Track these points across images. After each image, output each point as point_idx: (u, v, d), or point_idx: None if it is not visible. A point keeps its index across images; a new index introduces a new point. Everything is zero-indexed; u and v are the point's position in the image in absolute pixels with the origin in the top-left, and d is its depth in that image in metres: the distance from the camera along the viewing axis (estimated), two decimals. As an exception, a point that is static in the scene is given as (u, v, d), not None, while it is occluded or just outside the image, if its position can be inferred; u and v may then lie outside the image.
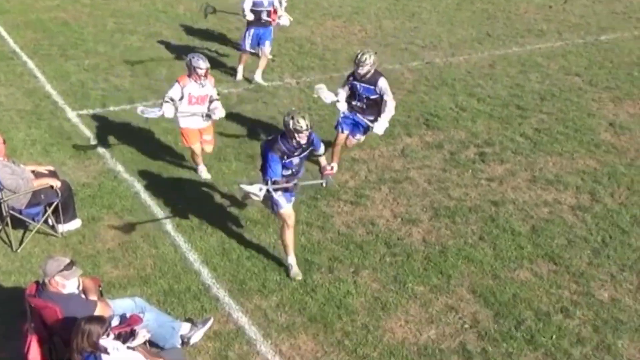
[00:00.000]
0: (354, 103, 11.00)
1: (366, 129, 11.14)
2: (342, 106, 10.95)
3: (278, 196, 8.64)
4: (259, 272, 8.98)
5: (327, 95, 10.94)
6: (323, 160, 9.20)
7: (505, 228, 10.12)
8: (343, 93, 10.98)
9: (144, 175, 11.12)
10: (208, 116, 10.79)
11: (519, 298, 8.71)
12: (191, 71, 10.53)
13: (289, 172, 8.74)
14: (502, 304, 8.61)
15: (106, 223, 9.91)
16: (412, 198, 10.80)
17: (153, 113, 10.63)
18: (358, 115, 11.03)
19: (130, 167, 11.30)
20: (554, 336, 8.10)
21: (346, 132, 11.20)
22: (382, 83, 10.76)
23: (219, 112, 10.80)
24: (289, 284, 8.79)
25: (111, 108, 13.48)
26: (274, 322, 8.19)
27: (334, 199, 10.62)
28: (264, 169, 8.68)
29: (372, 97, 10.84)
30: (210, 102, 10.81)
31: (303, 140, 8.53)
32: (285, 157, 8.57)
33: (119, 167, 11.30)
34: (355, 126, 11.16)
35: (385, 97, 10.78)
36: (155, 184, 10.91)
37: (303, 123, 8.39)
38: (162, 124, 12.70)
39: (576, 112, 14.07)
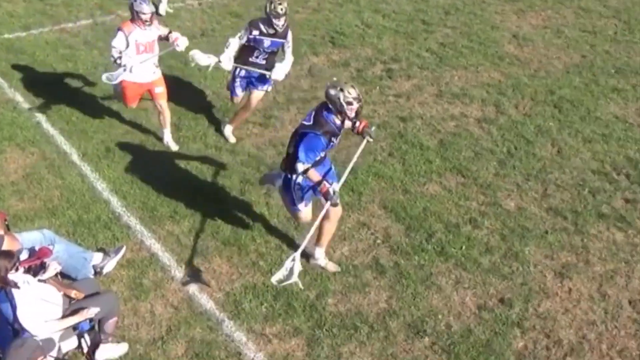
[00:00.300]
0: (252, 59, 9.76)
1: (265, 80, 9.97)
2: (228, 65, 9.69)
3: (301, 193, 7.66)
4: (169, 199, 8.88)
5: (204, 60, 9.67)
6: None
7: (414, 143, 10.23)
8: (235, 46, 9.62)
9: (44, 103, 10.73)
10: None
11: (429, 211, 8.88)
12: (134, 16, 9.31)
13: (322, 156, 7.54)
14: (412, 218, 8.76)
15: (8, 155, 9.59)
16: (321, 117, 10.77)
17: (120, 76, 9.40)
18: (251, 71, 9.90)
19: (30, 97, 10.91)
20: (464, 246, 8.32)
21: (243, 93, 10.17)
22: (290, 34, 9.80)
23: (182, 42, 9.66)
24: (200, 208, 8.71)
25: (5, 35, 12.92)
26: (188, 248, 8.15)
27: (244, 122, 10.46)
28: (297, 152, 7.25)
29: (276, 49, 9.87)
30: (165, 38, 9.68)
31: (352, 114, 7.27)
32: (334, 139, 7.38)
33: (18, 97, 10.89)
34: (251, 82, 10.03)
35: (286, 48, 9.86)
36: (57, 112, 10.55)
37: (354, 92, 7.14)
38: (60, 51, 12.29)
39: (480, 26, 14.20)
